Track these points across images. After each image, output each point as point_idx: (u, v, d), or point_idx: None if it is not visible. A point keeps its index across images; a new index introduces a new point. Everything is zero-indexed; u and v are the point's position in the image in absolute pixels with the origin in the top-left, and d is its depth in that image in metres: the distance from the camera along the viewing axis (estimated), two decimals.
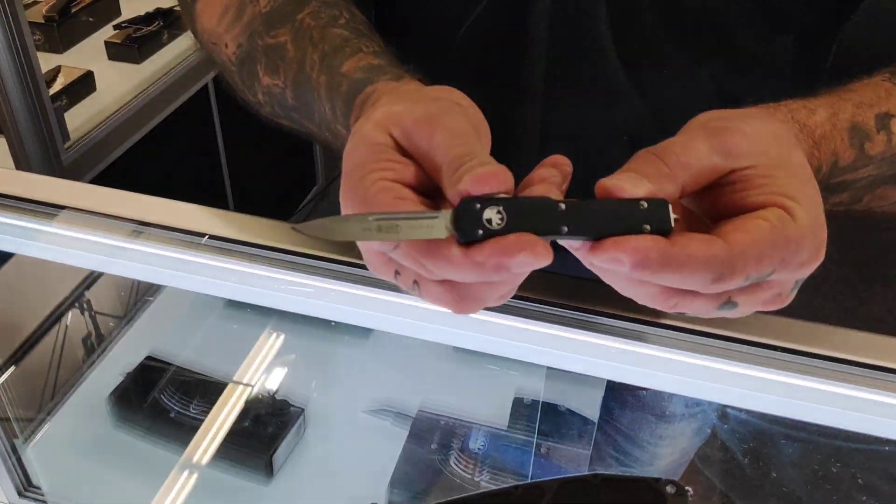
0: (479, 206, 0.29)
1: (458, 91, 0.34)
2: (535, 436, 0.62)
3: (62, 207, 0.51)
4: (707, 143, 0.32)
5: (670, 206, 0.30)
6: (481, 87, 0.37)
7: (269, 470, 0.66)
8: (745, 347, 0.39)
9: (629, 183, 0.30)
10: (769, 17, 0.47)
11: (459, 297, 0.30)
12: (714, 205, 0.32)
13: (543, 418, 0.63)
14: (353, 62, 0.39)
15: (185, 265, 0.49)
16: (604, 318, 0.41)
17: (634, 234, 0.29)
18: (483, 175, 0.29)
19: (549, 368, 0.60)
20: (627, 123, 0.49)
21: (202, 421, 0.68)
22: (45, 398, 0.70)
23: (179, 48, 1.33)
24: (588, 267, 0.31)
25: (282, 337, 0.75)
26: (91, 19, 1.34)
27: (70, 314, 0.75)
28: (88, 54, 1.30)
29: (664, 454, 0.68)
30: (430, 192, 0.31)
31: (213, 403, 0.70)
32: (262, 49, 0.44)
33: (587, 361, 0.42)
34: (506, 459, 0.62)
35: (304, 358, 0.75)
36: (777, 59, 0.49)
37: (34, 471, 0.65)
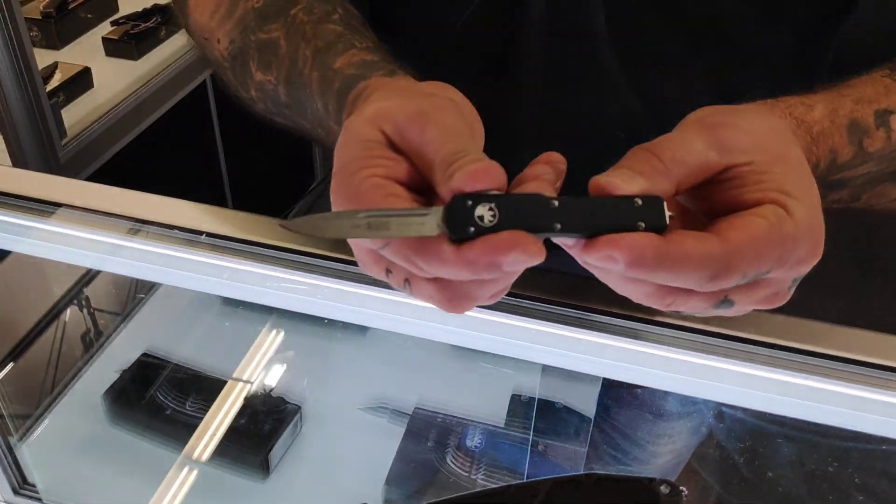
0: (470, 202, 0.28)
1: (452, 87, 0.34)
2: (532, 433, 0.62)
3: (59, 205, 0.51)
4: (703, 139, 0.31)
5: (665, 203, 0.30)
6: (476, 83, 0.36)
7: (265, 467, 0.66)
8: (741, 345, 0.39)
9: (623, 180, 0.30)
10: (767, 13, 0.46)
11: (451, 295, 0.30)
12: (710, 202, 0.32)
13: (540, 415, 0.62)
14: (345, 58, 0.39)
15: (181, 263, 0.49)
16: (600, 316, 0.40)
17: (629, 231, 0.29)
18: (475, 171, 0.28)
19: (544, 365, 0.60)
20: (623, 120, 0.49)
21: (198, 418, 0.68)
22: (40, 396, 0.70)
23: (177, 45, 1.32)
24: (582, 265, 0.31)
25: (278, 334, 0.75)
26: (88, 15, 1.33)
27: (68, 311, 0.75)
28: (86, 51, 1.29)
29: (661, 452, 0.68)
30: (422, 189, 0.31)
31: (209, 401, 0.69)
32: (255, 45, 0.43)
33: (583, 359, 0.41)
34: (502, 457, 0.62)
35: (301, 355, 0.75)
36: (775, 56, 0.49)
37: (29, 469, 0.65)
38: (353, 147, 0.31)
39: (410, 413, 0.66)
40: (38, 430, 0.67)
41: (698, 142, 0.31)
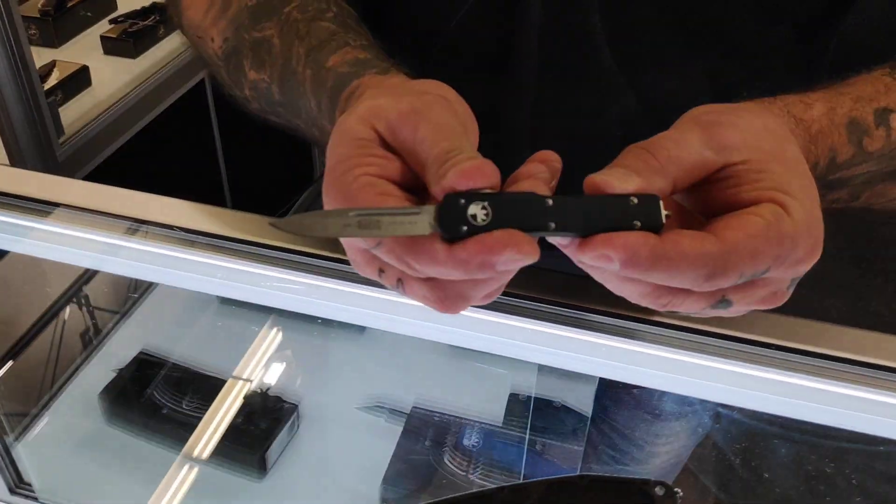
0: (463, 201, 0.28)
1: (445, 85, 0.33)
2: (529, 432, 0.62)
3: (56, 205, 0.51)
4: (699, 138, 0.31)
5: (661, 202, 0.30)
6: (471, 82, 0.36)
7: (262, 466, 0.66)
8: (738, 345, 0.39)
9: (618, 178, 0.29)
10: (765, 10, 0.46)
11: (444, 295, 0.30)
12: (707, 201, 0.32)
13: (537, 414, 0.62)
14: (339, 56, 0.38)
15: (176, 262, 0.49)
16: (596, 316, 0.40)
17: (624, 230, 0.29)
18: (468, 169, 0.28)
19: (541, 364, 0.60)
20: (621, 119, 0.49)
21: (195, 417, 0.68)
22: (37, 395, 0.70)
23: (175, 43, 1.32)
24: (577, 264, 0.30)
25: (276, 333, 0.75)
26: (87, 14, 1.33)
27: (67, 309, 0.75)
28: (84, 49, 1.29)
29: (659, 452, 0.67)
30: (415, 188, 0.31)
31: (206, 400, 0.69)
32: (249, 43, 0.43)
33: (579, 359, 0.41)
34: (499, 456, 0.62)
35: (298, 354, 0.75)
36: (774, 54, 0.48)
37: (26, 468, 0.65)
38: (345, 145, 0.30)
39: (408, 412, 0.66)
40: (35, 429, 0.67)
41: (694, 140, 0.31)
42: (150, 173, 1.26)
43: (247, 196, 1.59)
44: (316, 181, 1.88)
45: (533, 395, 0.63)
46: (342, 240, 0.32)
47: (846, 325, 0.41)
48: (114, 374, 0.70)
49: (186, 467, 0.66)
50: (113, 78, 1.24)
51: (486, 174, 0.28)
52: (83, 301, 0.77)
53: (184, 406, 0.69)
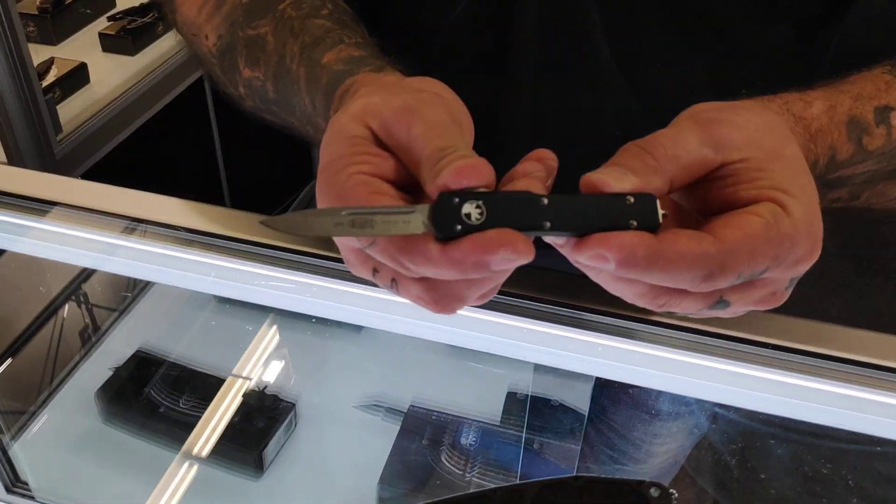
0: (457, 200, 0.28)
1: (440, 82, 0.33)
2: (526, 431, 0.62)
3: (54, 204, 0.51)
4: (697, 136, 0.31)
5: (658, 202, 0.29)
6: (468, 79, 0.36)
7: (259, 465, 0.65)
8: (735, 344, 0.38)
9: (614, 177, 0.29)
10: (765, 8, 0.46)
11: (438, 295, 0.29)
12: (705, 200, 0.31)
13: (534, 413, 0.62)
14: (333, 53, 0.38)
15: (172, 261, 0.49)
16: (592, 315, 0.40)
17: (620, 230, 0.28)
18: (462, 168, 0.28)
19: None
20: (619, 117, 0.48)
21: (192, 416, 0.68)
22: (33, 393, 0.70)
23: (174, 40, 1.32)
24: (574, 264, 0.30)
25: (273, 332, 0.75)
26: (85, 11, 1.33)
27: (66, 307, 0.75)
28: (82, 46, 1.29)
29: (656, 452, 0.67)
30: (409, 187, 0.30)
31: (203, 398, 0.69)
32: (243, 41, 0.43)
33: (576, 358, 0.41)
34: (497, 455, 0.61)
35: (296, 353, 0.75)
36: (773, 52, 0.48)
37: (22, 466, 0.65)
38: (338, 144, 0.30)
39: (405, 411, 0.66)
40: (31, 428, 0.67)
41: (692, 138, 0.31)
42: (149, 171, 1.26)
43: (246, 193, 1.59)
44: (315, 178, 1.87)
45: (530, 394, 0.63)
46: (336, 239, 0.32)
47: (846, 324, 0.40)
48: (110, 373, 0.70)
49: (183, 466, 0.66)
50: (111, 75, 1.24)
51: (480, 173, 0.28)
52: (82, 299, 0.77)
53: (181, 405, 0.69)
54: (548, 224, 0.28)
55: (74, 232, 0.51)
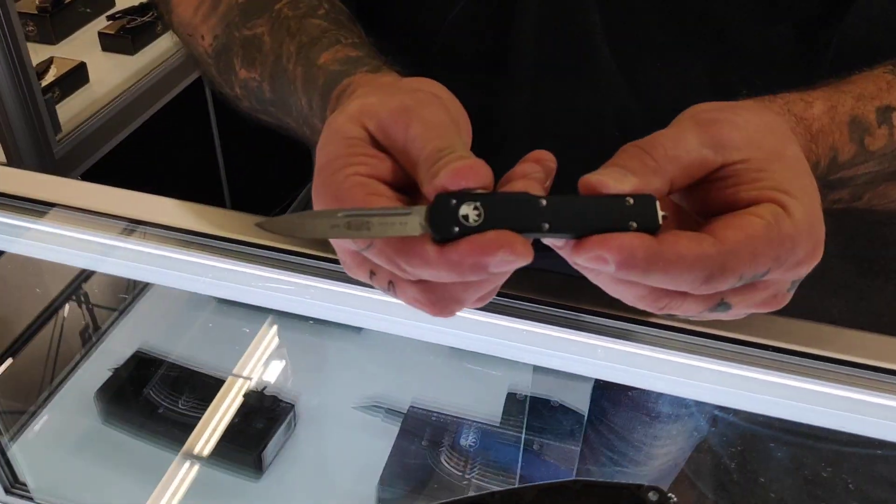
0: (454, 201, 0.27)
1: (437, 83, 0.33)
2: (525, 432, 0.61)
3: (52, 205, 0.51)
4: (697, 136, 0.30)
5: (658, 203, 0.29)
6: (468, 79, 0.36)
7: (258, 466, 0.65)
8: (734, 346, 0.38)
9: (613, 178, 0.29)
10: (765, 8, 0.45)
11: (436, 298, 0.29)
12: (705, 201, 0.31)
13: (534, 414, 0.62)
14: (330, 54, 0.38)
15: (170, 263, 0.49)
16: (592, 317, 0.40)
17: (620, 231, 0.28)
18: (459, 169, 0.27)
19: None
20: (618, 117, 0.48)
21: (191, 417, 0.68)
22: (33, 394, 0.70)
23: (173, 40, 1.31)
24: (573, 266, 0.30)
25: (272, 332, 0.75)
26: (85, 10, 1.32)
27: (66, 307, 0.75)
28: (82, 45, 1.28)
29: (656, 455, 0.67)
30: (406, 188, 0.30)
31: (202, 399, 0.69)
32: (239, 41, 0.42)
33: (575, 360, 0.41)
34: (496, 456, 0.61)
35: (295, 353, 0.75)
36: (774, 52, 0.48)
37: (21, 467, 0.65)
38: (335, 145, 0.30)
39: (405, 412, 0.66)
40: (30, 429, 0.67)
41: (692, 139, 0.30)
42: (149, 170, 1.26)
43: (245, 193, 1.58)
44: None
45: (529, 395, 0.63)
46: (333, 241, 0.31)
47: (846, 325, 0.40)
48: (109, 374, 0.70)
49: (183, 467, 0.66)
50: (111, 75, 1.24)
51: (478, 174, 0.28)
52: (82, 299, 0.76)
53: (180, 405, 0.69)
54: (546, 225, 0.28)
55: (72, 233, 0.51)
